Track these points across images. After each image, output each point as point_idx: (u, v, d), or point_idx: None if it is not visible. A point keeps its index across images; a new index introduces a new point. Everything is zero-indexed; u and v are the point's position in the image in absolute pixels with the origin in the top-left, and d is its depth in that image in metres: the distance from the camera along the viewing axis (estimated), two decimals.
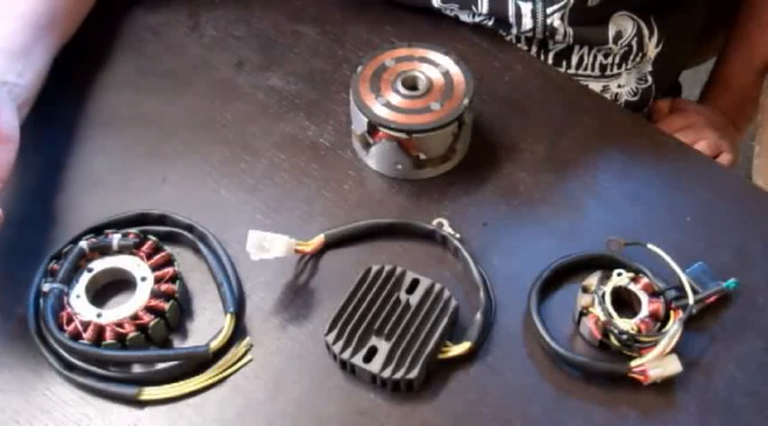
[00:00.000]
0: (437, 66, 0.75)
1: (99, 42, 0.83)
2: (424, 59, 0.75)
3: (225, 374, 0.65)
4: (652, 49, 0.89)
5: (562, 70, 0.87)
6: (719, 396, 0.64)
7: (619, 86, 0.90)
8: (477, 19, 0.84)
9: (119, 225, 0.70)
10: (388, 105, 0.72)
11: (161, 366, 0.64)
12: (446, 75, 0.74)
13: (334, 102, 0.80)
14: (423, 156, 0.73)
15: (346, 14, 0.87)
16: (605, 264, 0.68)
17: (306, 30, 0.86)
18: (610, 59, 0.88)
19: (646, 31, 0.88)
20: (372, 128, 0.72)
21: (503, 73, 0.83)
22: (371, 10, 0.87)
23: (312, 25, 0.86)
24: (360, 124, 0.73)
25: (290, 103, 0.80)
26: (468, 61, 0.75)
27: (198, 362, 0.64)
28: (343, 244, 0.71)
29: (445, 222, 0.72)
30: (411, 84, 0.74)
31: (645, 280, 0.66)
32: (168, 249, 0.69)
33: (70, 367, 0.64)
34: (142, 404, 0.63)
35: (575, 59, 0.87)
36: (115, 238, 0.68)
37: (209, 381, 0.64)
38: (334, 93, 0.81)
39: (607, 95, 0.90)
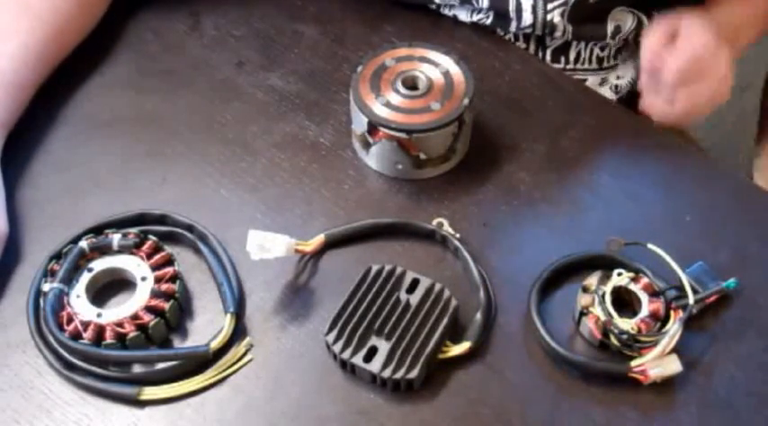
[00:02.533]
0: (437, 66, 0.75)
1: (99, 42, 0.83)
2: (424, 59, 0.75)
3: (225, 374, 0.65)
4: None
5: (560, 66, 0.87)
6: (719, 396, 0.64)
7: (617, 77, 0.90)
8: (476, 17, 0.84)
9: (119, 225, 0.70)
10: (388, 105, 0.72)
11: (161, 366, 0.64)
12: (446, 74, 0.74)
13: (335, 102, 0.80)
14: (423, 156, 0.73)
15: (346, 14, 0.87)
16: (605, 264, 0.68)
17: (306, 30, 0.86)
18: (606, 52, 0.88)
19: (647, 24, 0.87)
20: (372, 127, 0.72)
21: (503, 73, 0.83)
22: (371, 10, 0.87)
23: (312, 25, 0.86)
24: (360, 124, 0.73)
25: (290, 103, 0.80)
26: (468, 61, 0.75)
27: (198, 362, 0.64)
28: (343, 244, 0.71)
29: (445, 222, 0.72)
30: (411, 84, 0.74)
31: (645, 280, 0.66)
32: (168, 249, 0.69)
33: (70, 367, 0.64)
34: (142, 404, 0.63)
35: (572, 55, 0.87)
36: (115, 238, 0.68)
37: (209, 381, 0.64)
38: (334, 93, 0.81)
39: (607, 87, 0.90)
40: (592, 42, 0.87)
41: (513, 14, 0.83)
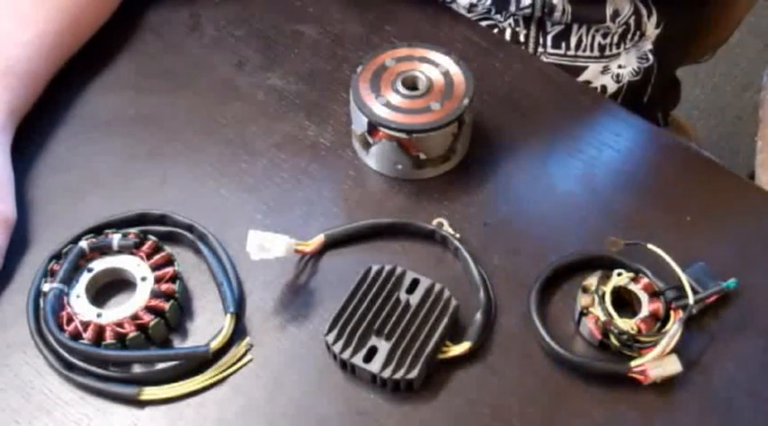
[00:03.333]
0: (437, 66, 0.75)
1: (99, 42, 0.83)
2: (424, 59, 0.75)
3: (225, 374, 0.65)
4: (651, 29, 0.89)
5: (561, 52, 0.87)
6: (719, 396, 0.64)
7: (620, 67, 0.90)
8: None
9: (119, 225, 0.70)
10: (388, 105, 0.72)
11: (161, 366, 0.64)
12: (446, 74, 0.74)
13: (334, 102, 0.80)
14: (423, 156, 0.73)
15: (346, 14, 0.87)
16: (605, 264, 0.68)
17: (306, 30, 0.86)
18: (608, 39, 0.88)
19: (644, 11, 0.87)
20: (372, 128, 0.72)
21: (503, 73, 0.83)
22: (371, 10, 0.87)
23: (312, 25, 0.86)
24: (360, 124, 0.73)
25: (290, 103, 0.80)
26: (469, 61, 0.75)
27: (198, 362, 0.64)
28: (343, 244, 0.71)
29: (445, 222, 0.72)
30: (411, 84, 0.74)
31: (645, 280, 0.66)
32: (168, 249, 0.69)
33: (70, 367, 0.64)
34: (142, 404, 0.63)
35: (573, 40, 0.87)
36: (115, 238, 0.68)
37: (209, 381, 0.64)
38: (334, 93, 0.81)
39: (608, 76, 0.90)
40: (593, 28, 0.86)
41: None
